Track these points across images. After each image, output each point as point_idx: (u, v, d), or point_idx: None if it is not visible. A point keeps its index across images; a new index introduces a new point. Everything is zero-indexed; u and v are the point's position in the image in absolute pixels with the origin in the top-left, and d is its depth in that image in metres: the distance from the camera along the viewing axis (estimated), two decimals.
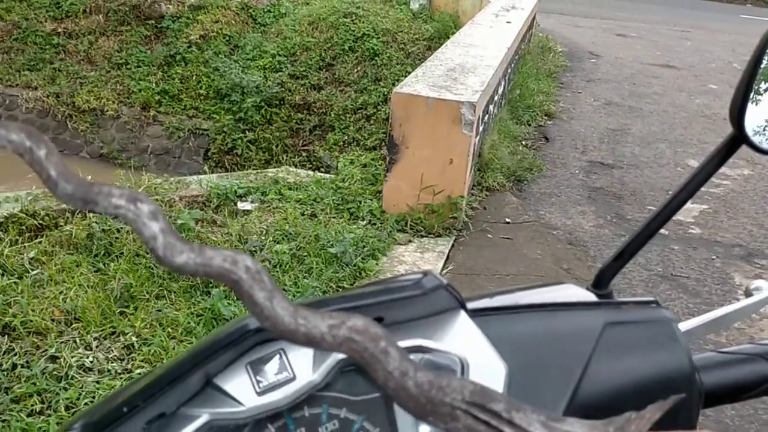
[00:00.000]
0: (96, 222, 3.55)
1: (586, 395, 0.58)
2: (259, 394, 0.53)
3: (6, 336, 2.75)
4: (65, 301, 2.98)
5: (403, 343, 0.58)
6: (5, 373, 2.58)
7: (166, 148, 8.36)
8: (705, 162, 0.68)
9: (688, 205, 4.31)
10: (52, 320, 2.87)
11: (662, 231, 4.32)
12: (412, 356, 0.60)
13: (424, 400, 0.37)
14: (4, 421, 2.35)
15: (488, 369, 0.58)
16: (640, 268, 3.80)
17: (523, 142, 5.73)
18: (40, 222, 3.62)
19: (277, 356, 0.55)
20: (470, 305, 0.63)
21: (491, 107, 4.94)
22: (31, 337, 2.77)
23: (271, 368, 0.55)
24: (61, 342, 2.76)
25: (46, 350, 2.70)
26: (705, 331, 0.73)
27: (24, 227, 3.56)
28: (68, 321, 2.89)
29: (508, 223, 4.34)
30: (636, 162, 5.65)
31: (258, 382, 0.54)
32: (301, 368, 0.55)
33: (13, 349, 2.70)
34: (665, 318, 0.63)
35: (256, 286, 0.39)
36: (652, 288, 3.64)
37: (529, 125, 6.22)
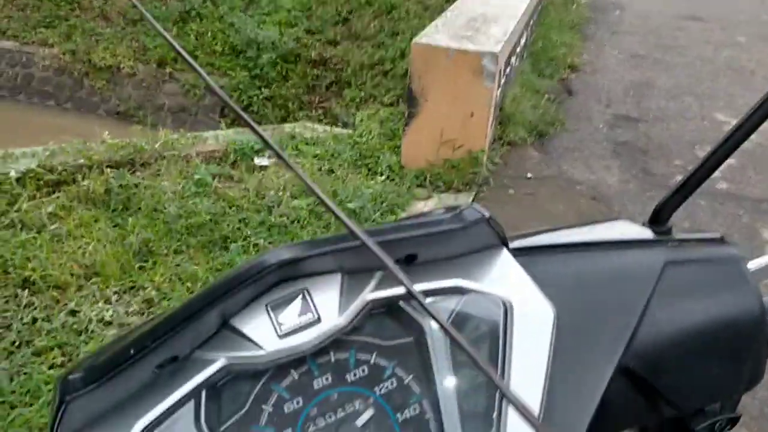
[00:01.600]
0: (113, 177, 3.52)
1: (644, 340, 0.53)
2: (281, 337, 0.48)
3: (26, 290, 2.75)
4: (84, 256, 2.96)
5: (440, 284, 0.53)
6: (26, 326, 2.58)
7: (182, 106, 8.30)
8: None
9: None
10: (72, 275, 2.86)
11: None
12: (449, 297, 0.55)
13: None
14: (26, 373, 2.36)
15: (534, 312, 0.52)
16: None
17: (546, 96, 5.58)
18: (58, 177, 3.59)
19: (300, 297, 0.50)
20: (514, 244, 0.57)
21: (513, 59, 4.81)
22: (51, 291, 2.76)
23: (294, 309, 0.49)
24: (81, 296, 2.75)
25: (66, 304, 2.70)
26: None
27: (41, 182, 3.54)
28: (87, 275, 2.88)
29: (530, 178, 4.26)
30: (662, 116, 5.50)
31: (279, 324, 0.48)
32: (327, 310, 0.49)
33: (34, 303, 2.70)
34: (733, 256, 0.57)
35: None
36: None
37: (552, 78, 6.07)
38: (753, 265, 0.63)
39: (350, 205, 3.44)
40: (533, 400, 0.48)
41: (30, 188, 3.48)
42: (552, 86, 5.90)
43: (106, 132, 4.11)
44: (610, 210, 3.91)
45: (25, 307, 2.68)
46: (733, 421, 0.59)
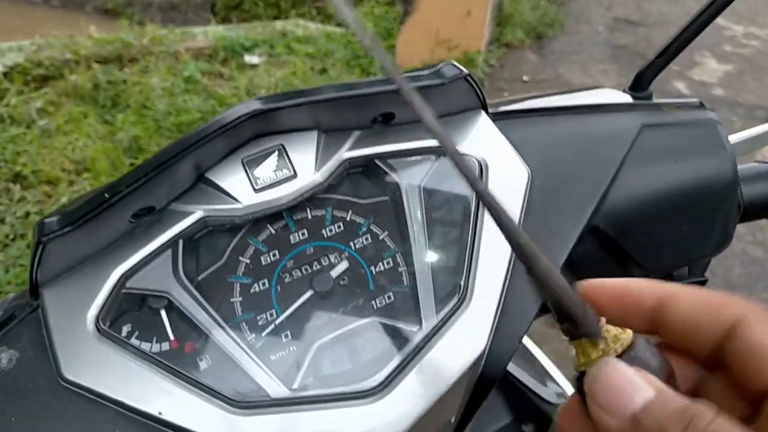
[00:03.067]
0: (101, 73, 3.45)
1: (616, 202, 0.53)
2: (257, 191, 0.48)
3: (18, 185, 2.75)
4: (74, 152, 2.95)
5: (417, 144, 0.53)
6: (19, 220, 2.60)
7: (172, 4, 8.01)
8: None
9: (713, 65, 4.10)
10: (63, 170, 2.86)
11: (685, 92, 4.16)
12: (426, 158, 0.55)
13: None
14: (21, 265, 2.40)
15: (509, 172, 0.52)
16: None
17: None
18: (45, 72, 3.52)
19: (276, 153, 0.50)
20: (493, 109, 0.57)
21: None
22: (43, 186, 2.76)
23: (270, 165, 0.50)
24: (73, 191, 2.76)
25: (58, 199, 2.70)
26: (754, 144, 0.67)
27: (29, 77, 3.47)
28: (78, 171, 2.87)
29: (526, 81, 4.19)
30: (663, 20, 5.37)
31: (255, 178, 0.49)
32: (303, 166, 0.50)
33: (26, 198, 2.70)
34: (710, 120, 0.57)
35: None
36: None
37: None
38: (734, 137, 0.63)
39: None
40: (502, 254, 0.49)
41: (18, 83, 3.41)
42: None
43: (93, 27, 3.99)
44: None
45: (17, 201, 2.69)
46: (701, 285, 0.61)
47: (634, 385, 0.28)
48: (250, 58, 3.86)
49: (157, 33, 3.92)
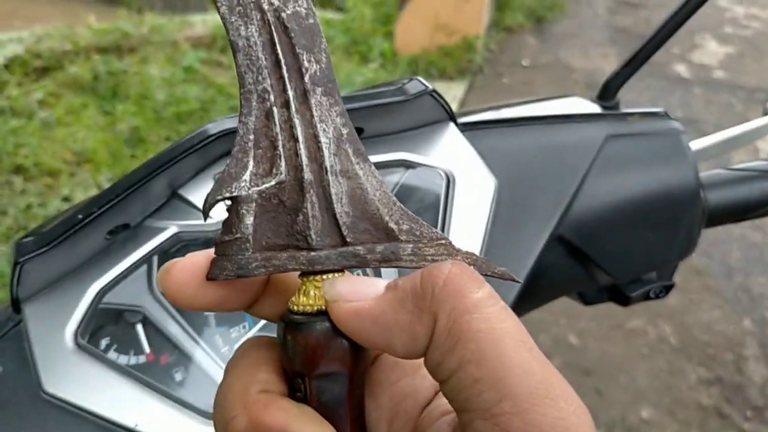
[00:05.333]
0: (101, 63, 3.45)
1: (580, 210, 0.55)
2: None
3: (20, 176, 2.77)
4: (75, 143, 2.96)
5: (385, 157, 0.54)
6: (22, 212, 2.63)
7: None
8: None
9: (713, 47, 4.06)
10: (64, 161, 2.88)
11: (685, 75, 4.15)
12: (394, 171, 0.57)
13: None
14: None
15: (476, 183, 0.54)
16: None
17: None
18: (45, 63, 3.53)
19: None
20: (463, 119, 0.59)
21: None
22: (44, 178, 2.79)
23: None
24: (74, 183, 2.78)
25: (59, 190, 2.73)
26: (718, 150, 0.68)
27: (29, 68, 3.48)
28: (79, 162, 2.89)
29: (526, 66, 4.18)
30: (664, 1, 5.33)
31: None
32: None
33: (28, 190, 2.73)
34: (673, 129, 0.58)
35: None
36: None
37: None
38: (696, 144, 0.64)
39: (342, 93, 3.40)
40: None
41: (18, 74, 3.42)
42: None
43: (92, 16, 3.99)
44: None
45: (19, 193, 2.71)
46: (668, 288, 0.63)
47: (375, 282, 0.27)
48: None
49: (156, 22, 3.92)
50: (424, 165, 0.54)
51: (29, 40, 3.66)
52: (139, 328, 0.48)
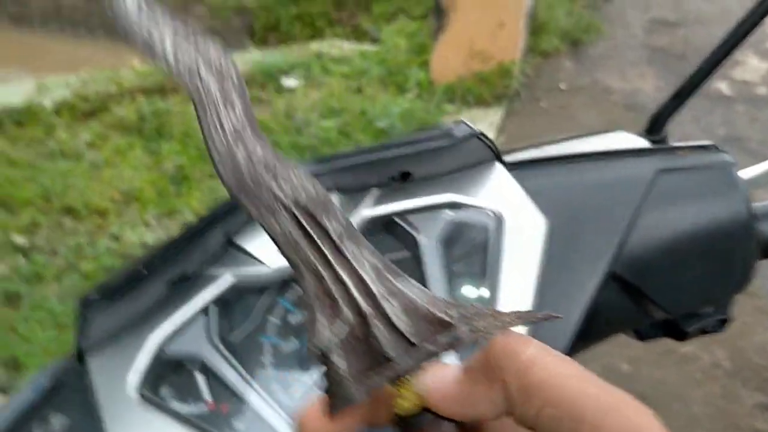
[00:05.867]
0: (146, 104, 3.56)
1: (633, 247, 0.54)
2: None
3: (69, 217, 2.86)
4: (122, 183, 3.05)
5: (435, 199, 0.55)
6: (72, 252, 2.70)
7: (211, 29, 8.22)
8: None
9: (755, 63, 4.00)
10: (112, 201, 2.96)
11: (726, 92, 4.08)
12: (445, 212, 0.57)
13: (249, 178, 0.33)
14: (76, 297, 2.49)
15: (527, 224, 0.54)
16: (702, 132, 3.63)
17: (581, 2, 5.37)
18: (92, 106, 3.65)
19: None
20: (509, 158, 0.59)
21: None
22: (93, 218, 2.87)
23: None
24: (122, 222, 2.85)
25: (108, 229, 2.80)
26: None
27: (76, 111, 3.61)
28: (127, 201, 2.97)
29: (563, 89, 4.17)
30: (701, 18, 5.27)
31: None
32: None
33: (77, 229, 2.81)
34: (724, 162, 0.58)
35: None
36: None
37: None
38: (745, 173, 0.63)
39: (379, 124, 3.43)
40: (524, 300, 0.50)
41: (66, 117, 3.54)
42: None
43: (136, 59, 4.12)
44: (644, 118, 3.82)
45: (69, 233, 2.79)
46: (724, 322, 0.61)
47: None
48: (287, 82, 3.93)
49: None
50: (473, 206, 0.54)
51: (76, 84, 3.79)
52: (199, 376, 0.49)
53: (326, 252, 0.33)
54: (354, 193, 0.54)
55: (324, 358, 0.33)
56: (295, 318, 0.52)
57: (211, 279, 0.51)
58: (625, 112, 3.94)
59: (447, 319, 0.32)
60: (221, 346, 0.50)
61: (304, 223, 0.32)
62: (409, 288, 0.33)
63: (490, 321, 0.32)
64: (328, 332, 0.33)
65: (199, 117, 0.34)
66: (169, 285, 0.50)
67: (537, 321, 0.32)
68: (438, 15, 3.83)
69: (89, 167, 3.16)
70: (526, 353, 0.29)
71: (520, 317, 0.31)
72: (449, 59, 3.92)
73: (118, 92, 3.72)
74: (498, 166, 0.56)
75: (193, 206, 2.93)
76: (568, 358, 0.30)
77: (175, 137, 3.38)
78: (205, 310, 0.51)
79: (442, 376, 0.32)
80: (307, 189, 0.33)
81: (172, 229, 2.83)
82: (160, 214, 2.90)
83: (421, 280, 0.53)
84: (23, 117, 3.53)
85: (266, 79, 3.93)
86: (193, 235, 0.47)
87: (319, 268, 0.32)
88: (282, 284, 0.53)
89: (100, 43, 8.32)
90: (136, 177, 3.06)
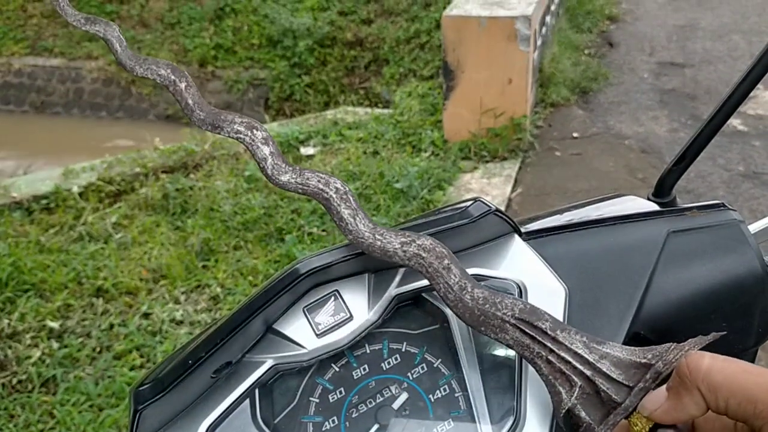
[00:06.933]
0: (169, 182, 3.66)
1: (652, 308, 0.56)
2: (319, 335, 0.54)
3: (100, 298, 2.92)
4: (150, 260, 3.11)
5: None
6: (104, 332, 2.75)
7: (227, 102, 8.46)
8: (765, 50, 0.62)
9: None
10: (141, 279, 3.02)
11: (741, 128, 4.10)
12: None
13: (479, 313, 0.48)
14: (109, 377, 2.51)
15: (547, 291, 0.56)
16: (720, 169, 3.64)
17: (586, 51, 5.49)
18: (117, 188, 3.76)
19: (332, 298, 0.55)
20: (524, 228, 0.62)
21: (548, 18, 4.74)
22: (124, 297, 2.92)
23: (328, 310, 0.55)
24: (152, 299, 2.90)
25: (139, 308, 2.85)
26: None
27: (103, 194, 3.71)
28: (155, 279, 3.03)
29: (576, 138, 4.21)
30: (708, 58, 5.34)
31: (316, 324, 0.54)
32: (358, 308, 0.55)
33: (109, 310, 2.86)
34: (732, 220, 0.60)
35: (343, 204, 0.52)
36: (734, 189, 3.49)
37: (591, 32, 5.95)
38: (754, 227, 0.65)
39: (397, 185, 3.49)
40: None
41: (92, 201, 3.65)
42: (592, 40, 5.79)
43: (157, 138, 4.26)
44: (661, 161, 3.84)
45: (101, 314, 2.84)
46: None
47: None
48: (306, 150, 4.03)
49: (216, 137, 4.15)
50: (496, 277, 0.57)
51: (101, 168, 3.92)
52: None
53: (547, 343, 0.46)
54: (384, 273, 0.57)
55: (572, 415, 0.45)
56: (334, 396, 0.55)
57: (253, 365, 0.54)
58: (641, 155, 3.96)
59: (646, 361, 0.44)
60: (266, 429, 0.52)
61: (526, 330, 0.46)
62: (612, 349, 0.45)
63: (675, 352, 0.44)
64: (569, 397, 0.45)
65: (433, 283, 0.50)
66: (216, 373, 0.53)
67: (707, 342, 0.43)
68: (447, 76, 3.93)
69: (117, 247, 3.24)
70: (705, 364, 0.41)
71: (695, 344, 0.43)
72: (461, 118, 4.00)
73: (142, 172, 3.84)
74: (516, 238, 0.59)
75: (220, 279, 2.97)
76: (731, 358, 0.41)
77: (200, 212, 3.46)
78: (249, 395, 0.53)
79: (656, 399, 0.43)
80: (517, 305, 0.47)
81: (201, 303, 2.87)
82: (188, 289, 2.95)
83: (453, 350, 0.56)
84: (51, 203, 3.65)
85: (286, 149, 4.03)
86: (235, 324, 0.50)
87: (547, 355, 0.46)
88: (319, 364, 0.56)
89: (121, 120, 8.56)
90: (164, 254, 3.13)
